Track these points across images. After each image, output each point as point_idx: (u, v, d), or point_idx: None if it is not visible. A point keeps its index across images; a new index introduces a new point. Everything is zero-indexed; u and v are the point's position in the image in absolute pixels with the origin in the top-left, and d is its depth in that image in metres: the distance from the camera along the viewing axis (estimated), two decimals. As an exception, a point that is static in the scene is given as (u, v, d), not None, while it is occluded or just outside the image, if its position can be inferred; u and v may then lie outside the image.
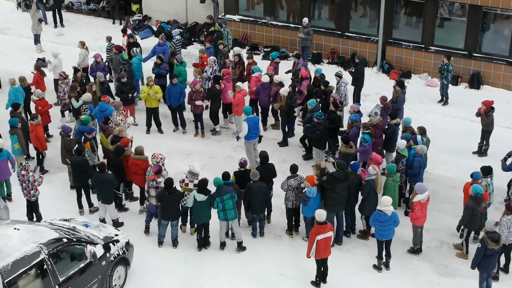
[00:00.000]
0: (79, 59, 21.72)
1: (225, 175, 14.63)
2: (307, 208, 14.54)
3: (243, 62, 21.20)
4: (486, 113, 17.89)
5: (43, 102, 18.59)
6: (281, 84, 19.41)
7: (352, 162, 15.35)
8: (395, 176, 14.94)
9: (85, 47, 22.04)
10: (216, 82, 19.24)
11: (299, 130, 19.36)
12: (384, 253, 14.29)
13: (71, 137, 16.85)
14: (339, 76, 19.47)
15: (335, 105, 17.87)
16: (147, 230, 15.32)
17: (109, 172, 15.43)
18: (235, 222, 14.72)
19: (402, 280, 14.17)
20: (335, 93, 18.74)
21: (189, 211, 15.17)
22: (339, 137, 17.43)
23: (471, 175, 14.85)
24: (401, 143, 15.98)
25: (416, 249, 14.90)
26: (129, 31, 24.75)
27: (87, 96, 18.41)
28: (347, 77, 20.34)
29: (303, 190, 14.50)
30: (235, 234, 14.91)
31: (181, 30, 25.96)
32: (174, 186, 14.49)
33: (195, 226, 15.16)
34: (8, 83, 19.53)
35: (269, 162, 15.52)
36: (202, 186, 14.38)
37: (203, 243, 14.91)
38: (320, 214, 13.28)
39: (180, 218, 15.17)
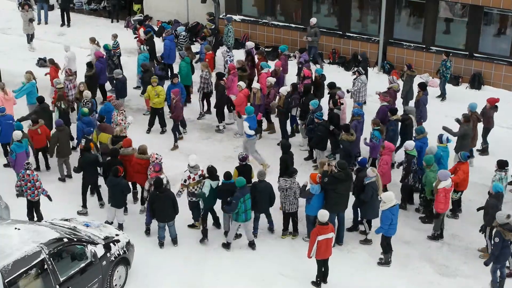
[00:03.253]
0: (91, 54, 21.86)
1: (227, 175, 14.66)
2: (310, 207, 14.51)
3: (253, 58, 21.19)
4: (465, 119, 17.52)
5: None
6: (275, 85, 19.32)
7: (359, 158, 15.30)
8: (433, 166, 15.00)
9: (96, 42, 22.15)
10: (219, 79, 19.22)
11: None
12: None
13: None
14: (359, 73, 19.62)
15: (334, 103, 17.88)
16: (147, 232, 15.27)
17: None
18: (250, 222, 14.84)
19: (402, 280, 14.17)
20: (340, 92, 18.55)
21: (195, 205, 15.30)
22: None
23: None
24: (409, 144, 15.94)
25: (436, 235, 15.04)
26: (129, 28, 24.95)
27: (87, 94, 18.57)
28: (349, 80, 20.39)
29: (307, 188, 14.47)
30: (247, 233, 14.93)
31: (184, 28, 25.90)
32: (164, 186, 14.52)
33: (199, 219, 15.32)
34: (8, 82, 19.58)
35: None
36: (212, 173, 14.66)
37: (212, 226, 15.25)
38: (323, 215, 13.22)
39: (192, 215, 15.37)
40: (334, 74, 22.23)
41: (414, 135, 16.99)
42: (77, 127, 17.57)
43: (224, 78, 19.40)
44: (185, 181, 14.98)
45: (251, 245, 14.95)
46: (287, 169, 15.64)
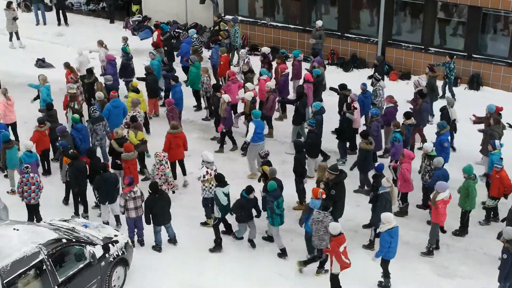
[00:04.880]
0: (101, 58, 21.70)
1: (248, 190, 14.27)
2: (308, 223, 14.01)
3: (269, 61, 21.08)
4: (496, 121, 17.28)
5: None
6: (275, 90, 19.13)
7: (377, 164, 15.02)
8: (476, 179, 14.75)
9: (104, 45, 21.90)
10: (216, 91, 18.93)
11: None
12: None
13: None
14: (376, 79, 19.35)
15: (348, 107, 17.62)
16: (133, 244, 14.67)
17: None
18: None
19: (401, 281, 14.15)
20: (353, 94, 18.29)
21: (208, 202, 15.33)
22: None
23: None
24: (428, 145, 15.85)
25: (431, 249, 14.74)
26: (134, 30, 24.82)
27: (99, 95, 18.52)
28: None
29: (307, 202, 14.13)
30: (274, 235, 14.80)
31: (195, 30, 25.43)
32: (160, 189, 14.55)
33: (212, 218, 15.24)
34: (7, 83, 19.53)
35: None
36: (220, 180, 14.47)
37: (229, 233, 15.07)
38: (336, 227, 12.85)
39: (205, 212, 15.42)
40: (333, 75, 22.21)
41: (436, 130, 16.85)
42: (71, 136, 17.07)
43: (221, 90, 19.01)
44: (204, 176, 15.02)
45: (269, 238, 14.96)
46: (302, 168, 15.59)
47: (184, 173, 17.13)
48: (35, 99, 19.68)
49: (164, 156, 15.57)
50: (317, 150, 17.16)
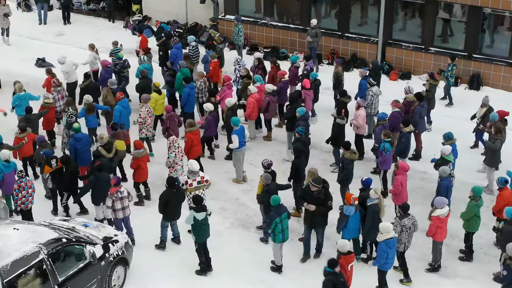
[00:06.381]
0: (88, 62, 21.50)
1: (333, 263, 12.20)
2: (346, 230, 13.74)
3: (263, 66, 20.85)
4: (496, 130, 16.75)
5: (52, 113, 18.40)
6: (274, 93, 18.93)
7: (364, 179, 14.59)
8: (480, 201, 14.16)
9: (95, 49, 21.66)
10: (211, 95, 18.79)
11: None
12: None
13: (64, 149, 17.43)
14: (370, 84, 19.19)
15: (338, 112, 17.38)
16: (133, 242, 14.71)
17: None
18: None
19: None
20: (360, 99, 18.17)
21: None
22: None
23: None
24: (446, 148, 15.67)
25: (436, 266, 14.41)
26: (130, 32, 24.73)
27: (87, 98, 18.31)
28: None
29: (341, 210, 13.78)
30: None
31: (196, 39, 24.44)
32: (176, 183, 14.54)
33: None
34: (6, 83, 19.44)
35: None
36: (198, 203, 13.67)
37: (207, 266, 14.35)
38: (343, 244, 12.50)
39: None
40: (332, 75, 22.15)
41: (442, 141, 16.46)
42: (70, 145, 16.83)
43: (216, 96, 18.85)
44: (182, 185, 14.87)
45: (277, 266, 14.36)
46: (298, 174, 15.39)
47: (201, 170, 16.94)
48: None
49: (177, 142, 16.23)
50: (305, 158, 16.57)
